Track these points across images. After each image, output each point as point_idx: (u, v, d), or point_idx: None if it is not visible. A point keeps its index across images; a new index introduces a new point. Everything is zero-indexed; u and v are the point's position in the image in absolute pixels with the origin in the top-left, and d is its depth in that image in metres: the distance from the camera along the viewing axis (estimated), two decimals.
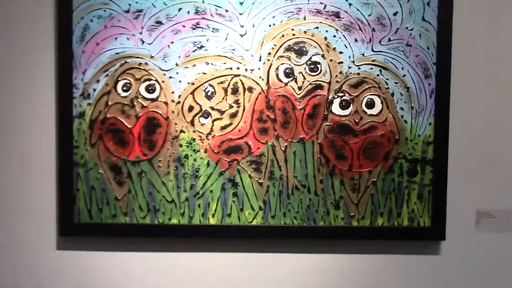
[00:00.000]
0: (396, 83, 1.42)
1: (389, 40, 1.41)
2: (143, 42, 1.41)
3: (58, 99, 1.42)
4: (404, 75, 1.42)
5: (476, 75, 1.44)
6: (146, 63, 1.42)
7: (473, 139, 1.45)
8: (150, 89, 1.42)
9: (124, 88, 1.42)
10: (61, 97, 1.42)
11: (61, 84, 1.42)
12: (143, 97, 1.42)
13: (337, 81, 1.42)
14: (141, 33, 1.41)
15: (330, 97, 1.42)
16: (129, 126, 1.43)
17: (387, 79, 1.42)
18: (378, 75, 1.42)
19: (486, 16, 1.44)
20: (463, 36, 1.43)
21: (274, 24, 1.41)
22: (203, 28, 1.41)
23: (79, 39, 1.41)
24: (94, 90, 1.42)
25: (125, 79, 1.42)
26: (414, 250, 1.46)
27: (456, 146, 1.44)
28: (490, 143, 1.45)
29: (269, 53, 1.41)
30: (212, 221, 1.44)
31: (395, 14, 1.41)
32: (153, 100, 1.42)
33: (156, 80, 1.42)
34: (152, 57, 1.42)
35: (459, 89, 1.44)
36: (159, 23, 1.41)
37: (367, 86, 1.42)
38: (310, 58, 1.42)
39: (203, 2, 1.41)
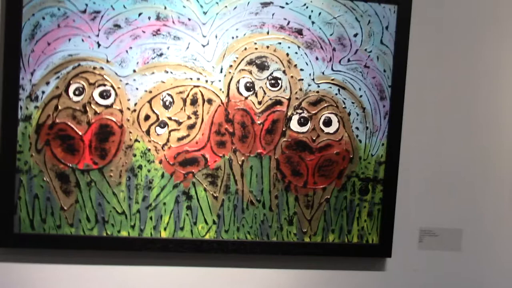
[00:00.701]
0: (353, 103, 1.46)
1: (349, 60, 1.45)
2: (99, 45, 1.36)
3: (2, 100, 1.33)
4: (361, 96, 1.47)
5: (429, 99, 1.52)
6: (102, 68, 1.36)
7: (422, 161, 1.53)
8: (104, 95, 1.37)
9: (76, 92, 1.36)
10: (6, 98, 1.34)
11: (6, 84, 1.33)
12: (97, 103, 1.37)
13: (297, 98, 1.44)
14: (97, 35, 1.35)
15: (289, 113, 1.44)
16: (80, 133, 1.36)
17: (345, 98, 1.46)
18: (336, 94, 1.46)
19: (440, 42, 1.51)
20: (418, 60, 1.50)
21: (237, 37, 1.40)
22: (164, 35, 1.38)
23: (28, 37, 1.33)
24: (43, 92, 1.35)
25: (78, 82, 1.36)
26: (362, 266, 1.52)
27: (406, 167, 1.51)
28: (438, 165, 1.54)
29: (231, 66, 1.41)
30: (164, 235, 1.41)
31: (355, 35, 1.45)
32: (107, 106, 1.37)
33: (112, 86, 1.37)
34: (108, 61, 1.36)
35: (412, 112, 1.50)
36: (118, 26, 1.36)
37: (326, 105, 1.45)
38: (272, 73, 1.43)
39: (165, 8, 1.37)
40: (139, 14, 1.36)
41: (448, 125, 1.53)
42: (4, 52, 1.33)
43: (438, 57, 1.51)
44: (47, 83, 1.35)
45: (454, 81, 1.53)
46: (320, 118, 1.45)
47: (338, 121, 1.46)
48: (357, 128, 1.47)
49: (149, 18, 1.37)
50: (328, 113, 1.46)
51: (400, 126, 1.49)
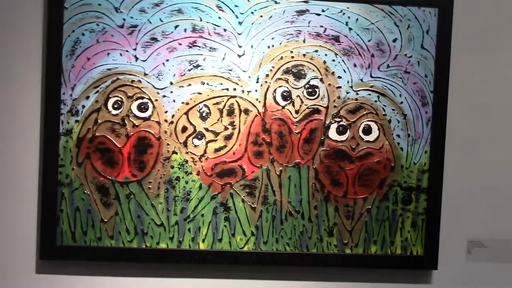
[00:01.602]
0: (393, 110, 1.44)
1: (388, 66, 1.43)
2: (136, 58, 1.39)
3: (45, 115, 1.38)
4: (401, 102, 1.44)
5: (473, 104, 1.48)
6: (139, 81, 1.39)
7: (467, 169, 1.48)
8: (142, 107, 1.39)
9: (115, 106, 1.39)
10: (48, 113, 1.38)
11: (48, 99, 1.38)
12: (135, 116, 1.40)
13: (335, 106, 1.43)
14: (135, 49, 1.39)
15: (327, 122, 1.43)
16: (119, 146, 1.39)
17: (385, 105, 1.44)
18: (376, 101, 1.43)
19: (485, 46, 1.47)
20: (460, 65, 1.46)
21: (273, 46, 1.41)
22: (200, 46, 1.40)
23: (69, 53, 1.38)
24: (83, 106, 1.39)
25: (117, 96, 1.39)
26: (406, 278, 1.48)
27: (451, 175, 1.47)
28: (484, 173, 1.49)
29: (267, 75, 1.41)
30: (202, 246, 1.42)
31: (394, 40, 1.43)
32: (145, 119, 1.40)
33: (149, 99, 1.40)
34: (145, 74, 1.39)
35: (456, 118, 1.47)
36: (154, 39, 1.39)
37: (365, 112, 1.43)
38: (309, 81, 1.42)
39: (200, 20, 1.39)
40: (175, 27, 1.39)
41: (494, 130, 1.48)
42: (46, 68, 1.37)
43: (482, 60, 1.47)
44: (87, 98, 1.38)
45: (499, 85, 1.48)
46: (360, 126, 1.43)
47: (378, 129, 1.44)
48: (398, 135, 1.44)
49: (185, 30, 1.39)
50: (368, 120, 1.44)
51: (443, 132, 1.45)
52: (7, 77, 1.39)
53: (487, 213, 1.50)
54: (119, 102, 1.39)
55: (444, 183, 1.46)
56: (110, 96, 1.39)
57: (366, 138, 1.44)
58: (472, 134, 1.48)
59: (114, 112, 1.39)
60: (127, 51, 1.39)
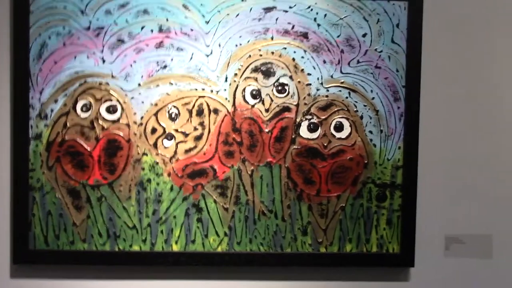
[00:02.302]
0: (365, 106, 1.43)
1: (358, 62, 1.42)
2: (104, 61, 1.39)
3: (13, 120, 1.39)
4: (373, 98, 1.43)
5: (446, 98, 1.46)
6: (107, 83, 1.40)
7: (442, 163, 1.47)
8: (111, 110, 1.40)
9: (84, 109, 1.40)
10: (17, 118, 1.39)
11: (16, 103, 1.39)
12: (104, 118, 1.40)
13: (305, 104, 1.42)
14: (102, 51, 1.39)
15: (298, 119, 1.42)
16: (89, 149, 1.40)
17: (356, 101, 1.43)
18: (347, 97, 1.43)
19: (456, 38, 1.46)
20: (432, 58, 1.45)
21: (240, 44, 1.41)
22: (167, 47, 1.40)
23: (36, 57, 1.38)
24: (52, 110, 1.39)
25: (85, 99, 1.40)
26: (383, 276, 1.47)
27: (426, 171, 1.46)
28: (460, 167, 1.48)
29: (236, 74, 1.41)
30: (175, 248, 1.42)
31: (364, 35, 1.42)
32: (114, 121, 1.40)
33: (118, 101, 1.40)
34: (113, 76, 1.39)
35: (429, 113, 1.46)
36: (121, 41, 1.39)
37: (336, 109, 1.43)
38: (278, 79, 1.42)
39: (167, 20, 1.39)
40: (142, 28, 1.39)
41: (468, 124, 1.47)
42: (14, 72, 1.38)
43: (454, 54, 1.46)
44: (56, 101, 1.39)
45: (472, 78, 1.47)
46: (331, 123, 1.43)
47: (350, 126, 1.43)
48: (370, 132, 1.43)
49: (151, 31, 1.39)
50: (339, 117, 1.43)
51: (417, 128, 1.44)
52: None
53: (464, 208, 1.49)
54: (88, 105, 1.40)
55: (419, 179, 1.45)
56: (78, 99, 1.40)
57: (338, 135, 1.43)
58: (446, 128, 1.47)
59: (83, 115, 1.40)
60: (94, 53, 1.39)
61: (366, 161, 1.44)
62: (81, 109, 1.40)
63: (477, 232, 1.49)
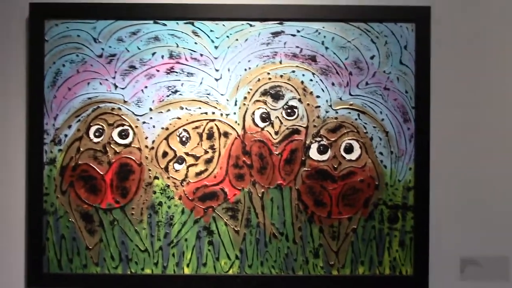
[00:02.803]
0: (374, 127, 1.44)
1: (367, 83, 1.43)
2: (116, 87, 1.43)
3: (29, 145, 1.43)
4: (382, 119, 1.44)
5: (456, 119, 1.46)
6: (119, 108, 1.43)
7: (454, 184, 1.46)
8: (123, 134, 1.43)
9: (97, 134, 1.43)
10: (32, 143, 1.43)
11: (31, 129, 1.43)
12: (116, 143, 1.43)
13: (315, 126, 1.43)
14: (114, 77, 1.43)
15: (307, 142, 1.43)
16: (101, 173, 1.43)
17: (366, 123, 1.44)
18: (356, 119, 1.44)
19: (465, 58, 1.46)
20: (441, 79, 1.45)
21: (249, 68, 1.43)
22: (177, 72, 1.43)
23: (50, 84, 1.43)
24: (66, 135, 1.43)
25: (98, 124, 1.43)
26: None
27: (438, 191, 1.45)
28: (472, 187, 1.46)
29: (245, 98, 1.43)
30: (187, 271, 1.43)
31: (372, 57, 1.43)
32: (126, 145, 1.43)
33: (130, 126, 1.43)
34: (125, 102, 1.43)
35: (439, 133, 1.45)
36: (133, 67, 1.43)
37: (346, 131, 1.44)
38: (287, 102, 1.43)
39: (177, 46, 1.43)
40: (153, 54, 1.43)
41: (480, 143, 1.46)
42: (29, 99, 1.43)
43: (463, 73, 1.46)
44: (69, 127, 1.43)
45: (482, 98, 1.47)
46: (341, 145, 1.44)
47: (360, 147, 1.44)
48: (381, 153, 1.44)
49: (162, 57, 1.43)
50: (349, 139, 1.44)
51: (427, 148, 1.44)
52: None
53: (479, 228, 1.47)
54: (100, 130, 1.43)
55: (431, 200, 1.44)
56: (91, 124, 1.43)
57: (348, 157, 1.44)
58: (457, 148, 1.46)
59: (96, 140, 1.43)
60: (106, 79, 1.43)
61: (377, 183, 1.44)
62: (94, 134, 1.43)
63: (493, 254, 1.47)
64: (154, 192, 1.43)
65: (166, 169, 1.43)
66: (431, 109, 1.44)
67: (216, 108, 1.43)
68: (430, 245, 1.44)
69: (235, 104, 1.43)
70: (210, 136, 1.43)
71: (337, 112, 1.44)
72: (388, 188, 1.44)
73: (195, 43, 1.43)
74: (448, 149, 1.46)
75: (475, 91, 1.47)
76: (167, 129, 1.43)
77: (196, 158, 1.43)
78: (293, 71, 1.44)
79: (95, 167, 1.43)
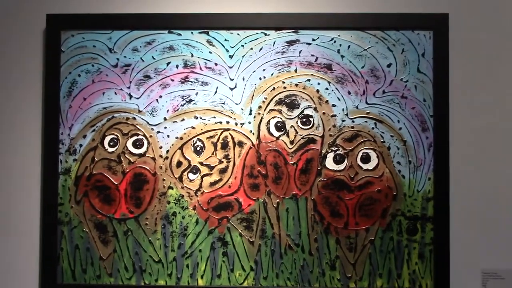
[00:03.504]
0: (392, 136, 1.42)
1: (384, 92, 1.42)
2: (131, 96, 1.43)
3: (44, 155, 1.44)
4: (400, 128, 1.42)
5: (476, 127, 1.43)
6: (134, 118, 1.43)
7: (475, 194, 1.43)
8: (137, 144, 1.43)
9: (111, 144, 1.44)
10: (47, 153, 1.44)
11: (47, 139, 1.44)
12: (130, 153, 1.43)
13: (331, 135, 1.42)
14: (129, 87, 1.44)
15: (323, 151, 1.42)
16: (116, 183, 1.43)
17: (383, 132, 1.42)
18: (373, 128, 1.42)
19: (484, 66, 1.44)
20: (460, 87, 1.43)
21: (264, 77, 1.43)
22: (192, 81, 1.43)
23: (66, 94, 1.44)
24: (81, 145, 1.44)
25: (112, 134, 1.44)
26: None
27: (458, 202, 1.42)
28: (494, 198, 1.43)
29: (260, 107, 1.43)
30: (201, 283, 1.42)
31: (389, 65, 1.42)
32: (140, 155, 1.43)
33: (144, 135, 1.43)
34: (140, 111, 1.43)
35: (459, 142, 1.43)
36: (147, 77, 1.44)
37: (362, 140, 1.42)
38: (302, 111, 1.42)
39: (192, 56, 1.43)
40: (168, 64, 1.43)
41: (500, 152, 1.43)
42: (45, 110, 1.44)
43: (482, 81, 1.44)
44: (84, 137, 1.44)
45: (502, 106, 1.44)
46: (358, 155, 1.42)
47: (377, 157, 1.42)
48: (398, 163, 1.41)
49: (177, 66, 1.43)
50: (366, 148, 1.42)
51: (447, 157, 1.41)
52: (8, 120, 1.47)
53: (501, 240, 1.43)
54: (115, 140, 1.44)
55: (451, 211, 1.41)
56: (106, 134, 1.44)
57: (365, 166, 1.42)
58: (477, 157, 1.43)
59: (110, 149, 1.44)
60: (121, 89, 1.44)
61: (395, 193, 1.41)
62: (109, 144, 1.44)
63: None
64: (168, 202, 1.43)
65: (180, 179, 1.43)
66: (450, 117, 1.42)
67: (230, 117, 1.43)
68: (450, 258, 1.41)
69: (250, 113, 1.43)
70: (224, 146, 1.43)
71: (353, 121, 1.42)
72: (407, 198, 1.42)
73: (210, 52, 1.43)
74: (468, 158, 1.43)
75: (494, 98, 1.44)
76: (181, 138, 1.43)
77: (211, 168, 1.43)
78: (309, 80, 1.43)
79: (109, 177, 1.44)
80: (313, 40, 1.43)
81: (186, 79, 1.44)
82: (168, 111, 1.44)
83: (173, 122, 1.43)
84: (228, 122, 1.43)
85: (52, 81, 1.45)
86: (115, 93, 1.44)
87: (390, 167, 1.42)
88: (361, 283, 1.42)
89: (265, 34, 1.43)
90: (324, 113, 1.43)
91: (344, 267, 1.42)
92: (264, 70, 1.43)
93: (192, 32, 1.44)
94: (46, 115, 1.45)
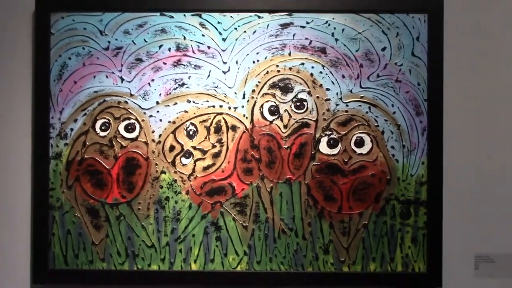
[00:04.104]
0: (386, 120, 1.42)
1: (378, 76, 1.42)
2: (122, 80, 1.42)
3: (34, 139, 1.43)
4: (394, 112, 1.42)
5: (470, 111, 1.44)
6: (126, 102, 1.42)
7: (469, 178, 1.44)
8: (129, 128, 1.42)
9: (103, 128, 1.42)
10: (37, 137, 1.43)
11: (37, 123, 1.43)
12: (122, 137, 1.42)
13: (325, 119, 1.42)
14: (120, 70, 1.42)
15: (317, 135, 1.42)
16: (108, 167, 1.42)
17: (377, 116, 1.42)
18: (367, 112, 1.42)
19: (479, 50, 1.44)
20: (454, 71, 1.43)
21: (258, 61, 1.42)
22: (184, 65, 1.42)
23: (56, 78, 1.43)
24: (72, 129, 1.43)
25: (104, 118, 1.43)
26: None
27: (451, 186, 1.43)
28: (487, 182, 1.44)
29: (253, 91, 1.42)
30: (194, 267, 1.42)
31: (383, 49, 1.42)
32: (132, 139, 1.42)
33: (136, 119, 1.42)
34: (132, 95, 1.42)
35: (453, 126, 1.43)
36: (139, 60, 1.42)
37: (356, 124, 1.42)
38: (296, 95, 1.42)
39: (184, 38, 1.42)
40: (160, 47, 1.42)
41: (495, 136, 1.44)
42: (35, 93, 1.42)
43: (477, 65, 1.44)
44: (75, 121, 1.42)
45: (496, 90, 1.44)
46: (351, 139, 1.42)
47: (371, 141, 1.42)
48: (392, 147, 1.42)
49: (169, 49, 1.42)
50: (360, 132, 1.42)
51: (440, 142, 1.41)
52: None
53: (495, 225, 1.45)
54: (107, 124, 1.43)
55: (444, 195, 1.42)
56: (97, 118, 1.43)
57: (358, 150, 1.42)
58: (471, 141, 1.44)
59: (102, 134, 1.43)
60: (113, 73, 1.43)
61: (388, 177, 1.42)
62: (100, 128, 1.43)
63: (509, 251, 1.45)
64: (161, 187, 1.42)
65: (173, 163, 1.42)
66: (444, 101, 1.42)
67: (224, 101, 1.42)
68: (443, 241, 1.42)
69: (243, 97, 1.42)
70: (217, 130, 1.42)
71: (347, 105, 1.42)
72: (400, 182, 1.42)
73: (203, 35, 1.42)
74: (462, 143, 1.44)
75: (489, 83, 1.44)
76: (174, 122, 1.42)
77: (204, 152, 1.42)
78: (303, 64, 1.42)
79: (101, 161, 1.43)
80: (307, 23, 1.42)
81: (179, 63, 1.42)
82: (160, 94, 1.42)
83: (166, 106, 1.42)
84: (221, 106, 1.42)
85: (42, 65, 1.43)
86: (107, 76, 1.43)
87: (384, 151, 1.42)
88: (354, 267, 1.42)
89: (259, 17, 1.42)
90: (318, 97, 1.42)
91: (338, 251, 1.42)
92: (257, 53, 1.42)
93: (184, 15, 1.42)
94: (36, 99, 1.43)
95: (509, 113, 1.45)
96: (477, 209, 1.45)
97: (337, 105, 1.42)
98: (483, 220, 1.45)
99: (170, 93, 1.42)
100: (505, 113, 1.45)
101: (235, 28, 1.42)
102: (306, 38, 1.42)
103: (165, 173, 1.42)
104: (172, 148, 1.42)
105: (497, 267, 1.45)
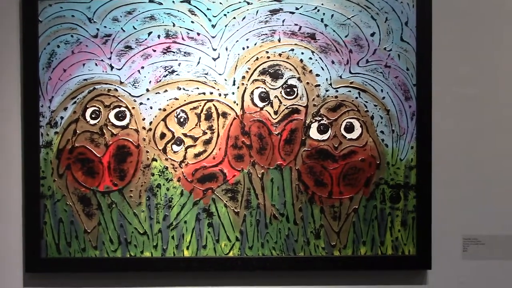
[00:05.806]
0: (375, 105, 1.44)
1: (367, 61, 1.44)
2: (112, 67, 1.43)
3: (24, 128, 1.44)
4: (383, 98, 1.44)
5: (458, 96, 1.47)
6: (116, 89, 1.44)
7: (457, 162, 1.47)
8: (120, 116, 1.44)
9: (93, 116, 1.44)
10: (27, 126, 1.44)
11: (27, 112, 1.44)
12: (113, 125, 1.44)
13: (315, 105, 1.44)
14: (110, 58, 1.43)
15: (307, 121, 1.44)
16: (99, 155, 1.44)
17: (366, 101, 1.44)
18: (356, 97, 1.44)
19: (467, 34, 1.47)
20: (443, 56, 1.46)
21: (247, 47, 1.43)
22: (174, 52, 1.43)
23: (45, 66, 1.43)
24: (62, 118, 1.44)
25: (94, 106, 1.44)
26: (399, 279, 1.47)
27: (440, 170, 1.46)
28: (476, 165, 1.48)
29: (243, 77, 1.44)
30: (187, 254, 1.45)
31: (372, 34, 1.44)
32: (123, 127, 1.44)
33: (126, 107, 1.44)
34: (121, 83, 1.43)
35: (441, 111, 1.46)
36: (129, 47, 1.43)
37: (346, 110, 1.44)
38: (286, 81, 1.44)
39: (173, 25, 1.43)
40: (149, 34, 1.43)
41: (483, 121, 1.48)
42: (24, 81, 1.43)
43: (465, 50, 1.47)
44: (65, 109, 1.43)
45: (484, 75, 1.47)
46: (341, 124, 1.44)
47: (361, 126, 1.44)
48: (382, 132, 1.44)
49: (158, 36, 1.43)
50: (349, 118, 1.44)
51: (429, 126, 1.44)
52: None
53: (482, 207, 1.48)
54: (97, 112, 1.44)
55: (433, 179, 1.45)
56: (87, 106, 1.44)
57: (348, 136, 1.45)
58: (460, 126, 1.47)
59: (92, 122, 1.44)
60: (102, 60, 1.43)
61: (378, 162, 1.45)
62: (90, 116, 1.44)
63: (496, 233, 1.49)
64: (153, 174, 1.44)
65: (164, 150, 1.44)
66: (433, 86, 1.45)
67: (214, 88, 1.44)
68: (432, 225, 1.45)
69: (234, 84, 1.44)
70: (208, 117, 1.44)
71: (337, 91, 1.44)
72: (390, 167, 1.45)
73: (192, 22, 1.43)
74: (451, 127, 1.47)
75: (477, 67, 1.47)
76: (164, 110, 1.44)
77: (195, 139, 1.44)
78: (292, 50, 1.44)
79: (92, 149, 1.44)
80: (297, 9, 1.44)
81: (168, 50, 1.44)
82: (150, 82, 1.44)
83: (156, 93, 1.44)
84: (211, 93, 1.44)
85: (30, 53, 1.43)
86: (96, 64, 1.44)
87: (373, 136, 1.45)
88: (345, 251, 1.46)
89: (248, 3, 1.43)
90: (308, 83, 1.44)
91: (329, 235, 1.45)
92: (247, 39, 1.44)
93: (173, 1, 1.43)
94: (25, 88, 1.44)
95: (497, 96, 1.48)
96: (465, 192, 1.48)
97: (327, 90, 1.44)
98: (471, 203, 1.48)
99: (160, 80, 1.44)
100: (493, 97, 1.48)
101: (225, 15, 1.43)
102: (296, 24, 1.44)
103: (156, 160, 1.44)
104: (163, 135, 1.44)
105: (485, 249, 1.49)
